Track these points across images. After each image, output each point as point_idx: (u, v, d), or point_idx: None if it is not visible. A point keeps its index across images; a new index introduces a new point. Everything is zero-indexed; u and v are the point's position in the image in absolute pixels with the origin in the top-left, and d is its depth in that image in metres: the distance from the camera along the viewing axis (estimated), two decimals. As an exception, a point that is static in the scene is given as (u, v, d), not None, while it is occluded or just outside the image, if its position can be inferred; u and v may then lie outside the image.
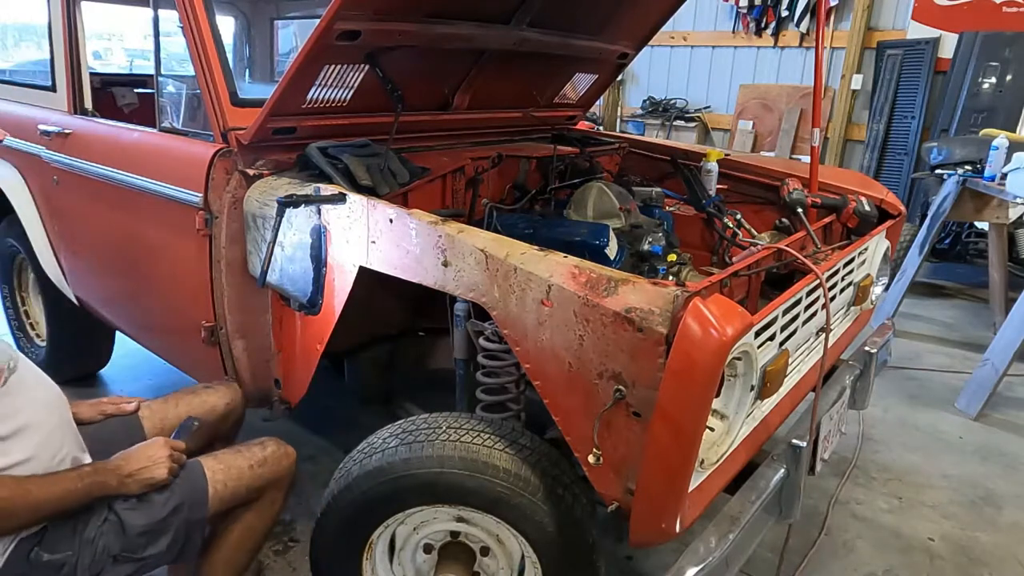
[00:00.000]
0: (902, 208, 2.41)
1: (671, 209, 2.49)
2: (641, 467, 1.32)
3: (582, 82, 2.88)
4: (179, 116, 2.13)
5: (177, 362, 2.40)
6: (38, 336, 3.22)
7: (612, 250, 1.97)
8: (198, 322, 2.04)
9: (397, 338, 2.24)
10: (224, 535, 1.62)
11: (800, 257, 1.66)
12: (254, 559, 1.73)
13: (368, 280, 1.71)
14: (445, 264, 1.52)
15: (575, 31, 2.44)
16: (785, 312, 1.62)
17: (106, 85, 3.39)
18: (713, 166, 2.53)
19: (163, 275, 2.20)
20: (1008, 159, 3.76)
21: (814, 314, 1.82)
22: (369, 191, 1.78)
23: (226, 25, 3.50)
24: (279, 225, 1.76)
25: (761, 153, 6.55)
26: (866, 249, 2.23)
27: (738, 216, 2.42)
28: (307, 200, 1.72)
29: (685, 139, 6.94)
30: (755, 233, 2.41)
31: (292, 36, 3.58)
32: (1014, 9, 5.46)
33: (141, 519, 1.46)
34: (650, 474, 1.32)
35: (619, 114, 7.72)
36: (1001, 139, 3.89)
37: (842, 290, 2.10)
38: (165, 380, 3.28)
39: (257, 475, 1.61)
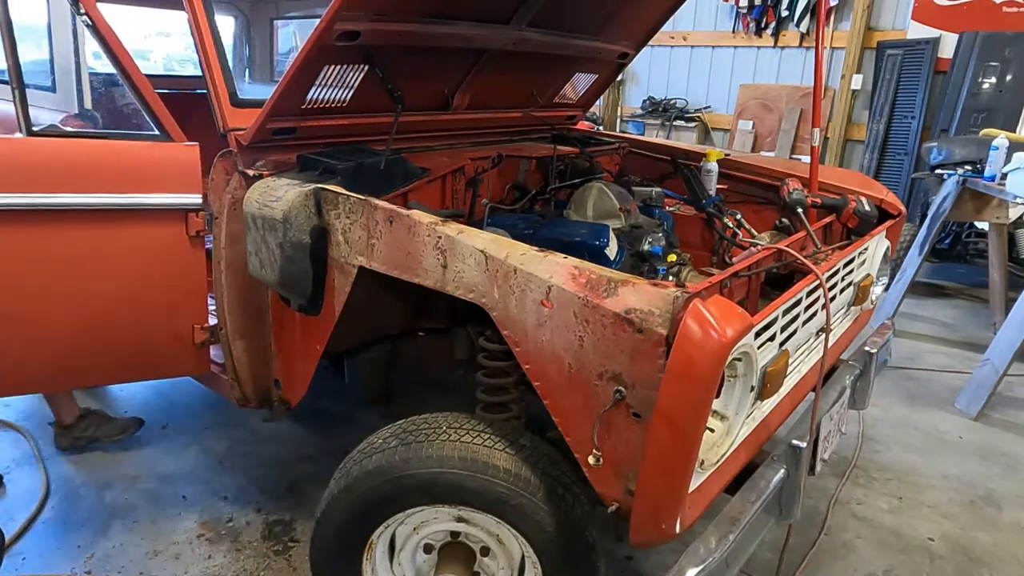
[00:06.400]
0: (902, 208, 2.41)
1: (671, 209, 2.49)
2: (641, 468, 1.32)
3: (582, 82, 2.88)
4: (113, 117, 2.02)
5: (168, 372, 2.18)
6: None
7: (612, 250, 1.97)
8: (193, 326, 2.02)
9: (397, 338, 2.24)
10: None
11: (800, 257, 1.66)
12: None
13: (368, 280, 1.71)
14: (445, 265, 1.52)
15: (575, 31, 2.44)
16: (785, 312, 1.62)
17: (106, 85, 3.39)
18: (713, 166, 2.53)
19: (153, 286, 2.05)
20: (1008, 159, 3.76)
21: (814, 314, 1.82)
22: (369, 191, 1.78)
23: (226, 25, 3.51)
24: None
25: (761, 153, 6.55)
26: (866, 249, 2.23)
27: (738, 216, 2.42)
28: None
29: (685, 139, 6.94)
30: (755, 233, 2.41)
31: (292, 36, 3.59)
32: (1014, 9, 5.46)
33: None
34: (650, 475, 1.32)
35: (619, 114, 7.72)
36: (1001, 139, 3.89)
37: (842, 290, 2.10)
38: (165, 381, 3.27)
39: None
